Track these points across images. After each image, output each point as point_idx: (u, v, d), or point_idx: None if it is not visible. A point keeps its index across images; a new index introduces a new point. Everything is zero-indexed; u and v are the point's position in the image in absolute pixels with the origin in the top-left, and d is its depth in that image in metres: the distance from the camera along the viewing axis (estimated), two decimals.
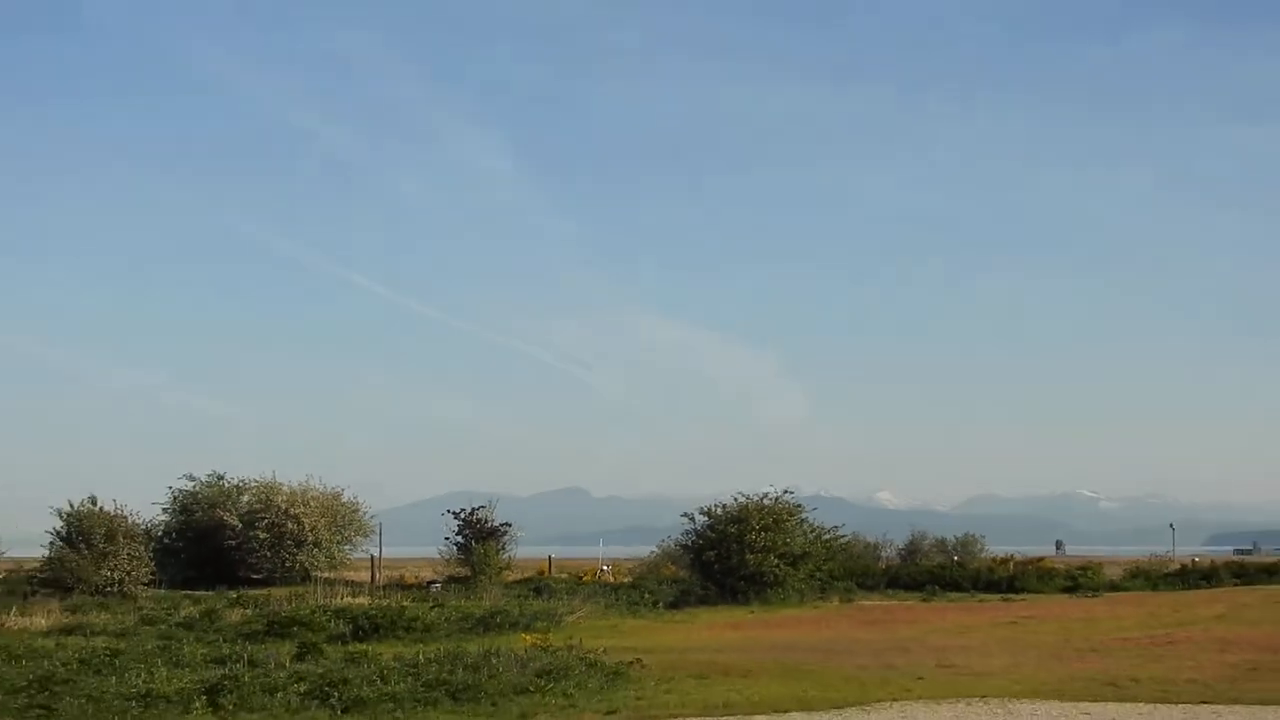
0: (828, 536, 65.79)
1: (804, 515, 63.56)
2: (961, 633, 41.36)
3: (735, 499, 62.83)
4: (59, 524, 72.65)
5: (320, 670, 30.13)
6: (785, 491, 63.56)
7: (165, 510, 78.40)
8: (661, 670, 31.37)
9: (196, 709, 25.54)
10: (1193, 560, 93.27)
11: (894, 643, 38.68)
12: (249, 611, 50.00)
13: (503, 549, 78.58)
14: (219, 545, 76.22)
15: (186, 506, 78.61)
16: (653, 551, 78.51)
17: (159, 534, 76.64)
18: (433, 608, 50.35)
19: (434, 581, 73.54)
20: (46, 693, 26.87)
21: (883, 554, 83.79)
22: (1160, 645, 36.08)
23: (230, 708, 25.60)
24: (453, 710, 25.92)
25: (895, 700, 26.52)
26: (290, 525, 75.94)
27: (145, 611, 53.80)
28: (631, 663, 31.99)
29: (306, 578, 73.34)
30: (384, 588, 69.00)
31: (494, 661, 31.30)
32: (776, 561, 60.20)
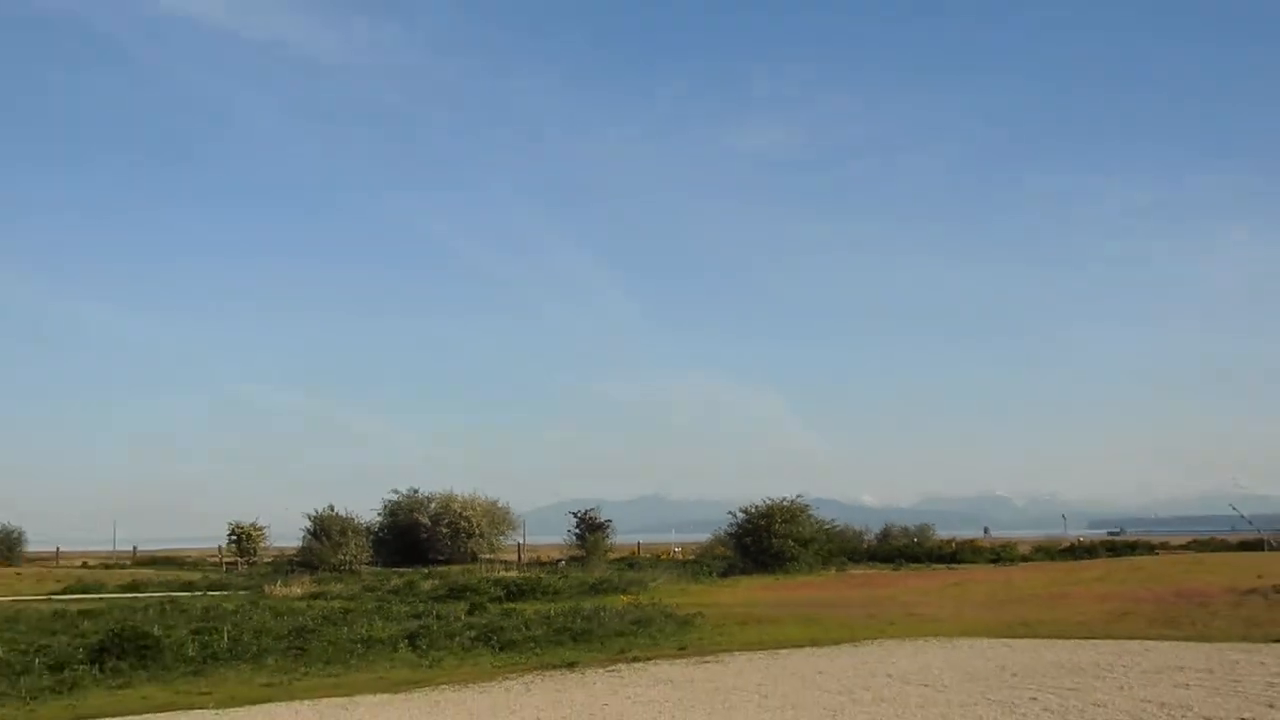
0: (827, 526, 65.87)
1: (810, 512, 63.49)
2: (921, 592, 40.81)
3: (764, 501, 62.89)
4: (309, 524, 74.05)
5: (484, 621, 30.30)
6: (797, 496, 63.60)
7: (379, 514, 79.24)
8: (716, 619, 31.40)
9: (401, 649, 25.69)
10: (1078, 539, 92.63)
11: (874, 599, 38.25)
12: (436, 582, 50.06)
13: (606, 537, 79.33)
14: (415, 538, 76.95)
15: (393, 511, 79.48)
16: (708, 538, 78.20)
17: (375, 530, 77.26)
18: (560, 578, 50.42)
19: (560, 560, 73.73)
20: (301, 638, 27.09)
21: (865, 537, 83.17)
22: (1057, 599, 35.57)
23: (424, 648, 25.74)
24: (574, 647, 25.97)
25: (876, 639, 26.34)
26: (463, 523, 76.75)
27: (366, 583, 53.98)
28: (695, 614, 32.10)
29: (474, 559, 73.84)
30: (526, 564, 69.24)
31: (602, 614, 31.40)
32: (793, 544, 60.18)
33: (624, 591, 44.03)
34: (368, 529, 75.74)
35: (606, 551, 76.59)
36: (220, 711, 18.18)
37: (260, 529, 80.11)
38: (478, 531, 77.41)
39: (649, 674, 21.15)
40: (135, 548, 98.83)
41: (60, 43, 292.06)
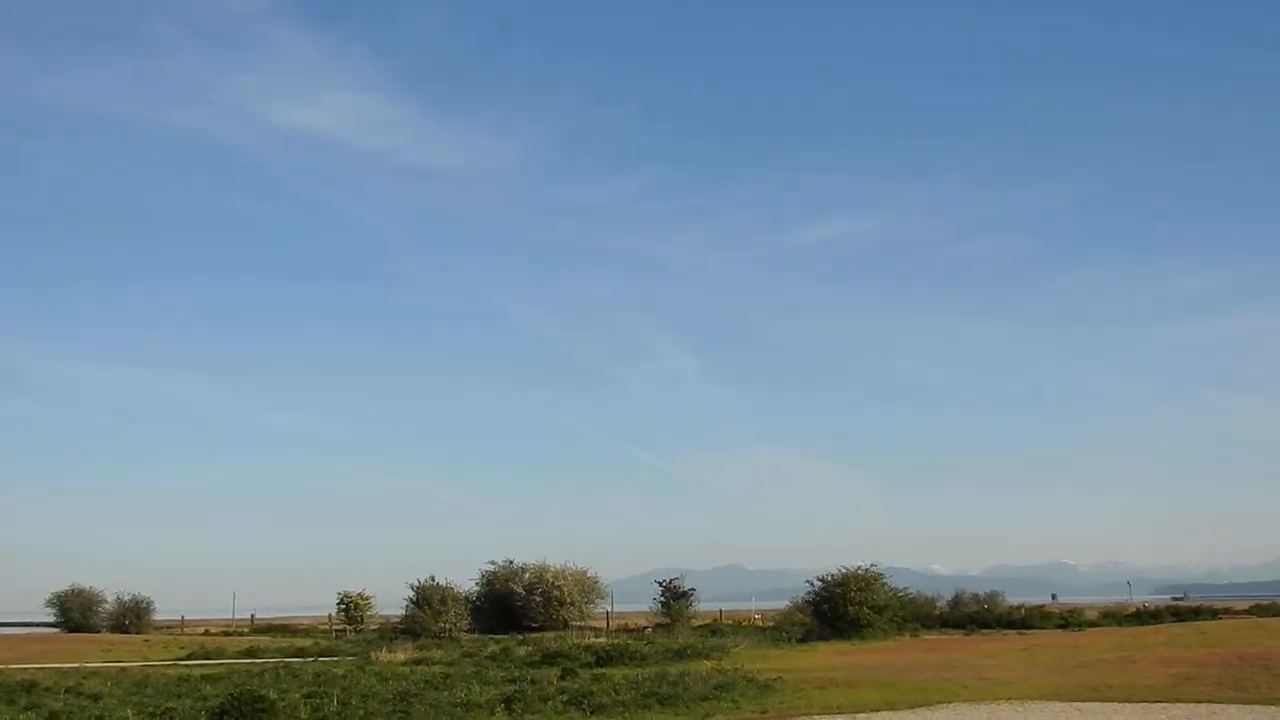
0: (900, 594, 64.84)
1: (884, 580, 62.68)
2: (992, 656, 40.08)
3: (839, 570, 62.20)
4: (411, 593, 74.58)
5: (576, 686, 30.23)
6: (870, 565, 62.82)
7: (476, 583, 79.50)
8: (795, 683, 31.03)
9: (498, 712, 25.72)
10: (1144, 605, 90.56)
11: (946, 663, 37.61)
12: (530, 648, 49.99)
13: (689, 605, 78.87)
14: (510, 606, 76.99)
15: (490, 581, 79.72)
16: (787, 605, 77.43)
17: (473, 598, 77.45)
18: (646, 644, 50.18)
19: (646, 627, 73.37)
20: (404, 702, 27.22)
21: (937, 604, 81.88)
22: (1124, 663, 34.76)
23: (519, 711, 25.74)
24: (660, 711, 25.85)
25: (949, 702, 25.96)
26: (555, 592, 76.62)
27: (465, 649, 54.04)
28: (776, 679, 31.77)
29: (566, 626, 73.63)
30: (615, 631, 68.97)
31: (686, 679, 31.21)
32: (868, 611, 59.39)
33: (707, 657, 43.73)
34: (466, 598, 76.06)
35: (690, 619, 76.14)
36: None
37: (367, 598, 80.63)
38: (569, 600, 77.27)
39: None
40: (253, 615, 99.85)
41: (190, 156, 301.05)
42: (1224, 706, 23.76)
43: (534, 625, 74.00)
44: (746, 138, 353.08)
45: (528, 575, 79.06)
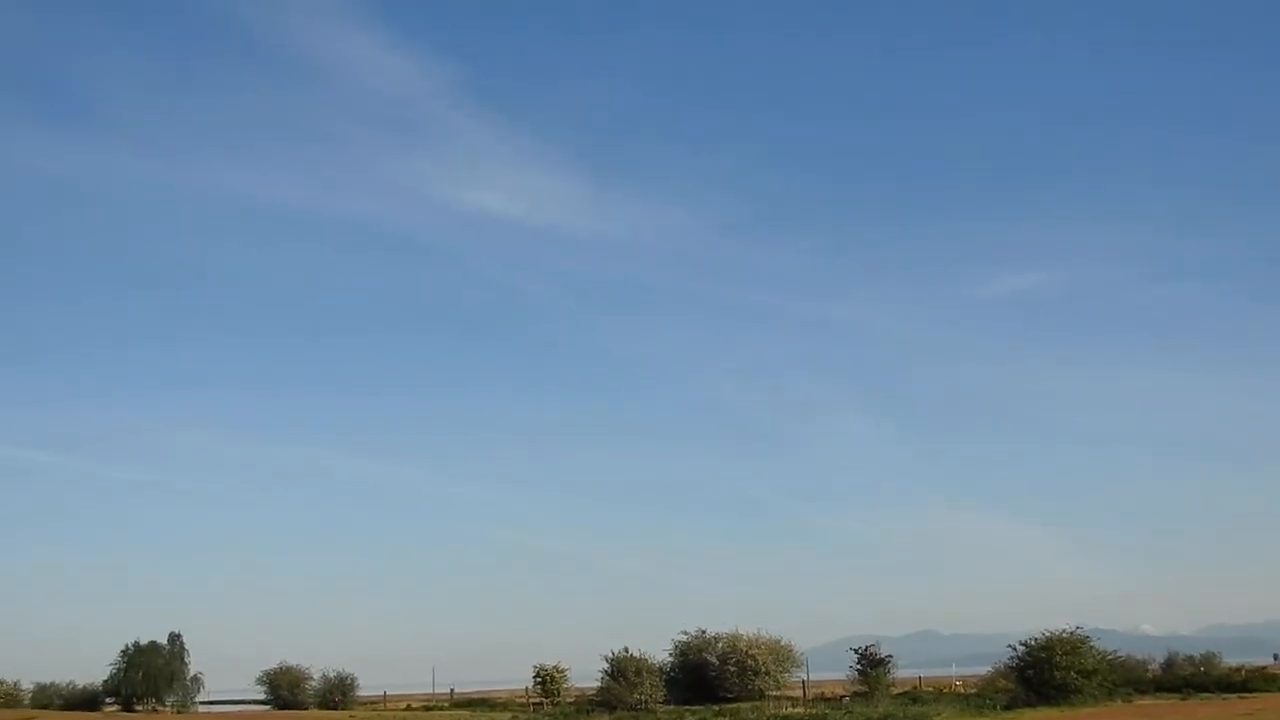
0: (1109, 657, 60.61)
1: (1090, 643, 58.65)
2: None
3: (1043, 634, 58.38)
4: (605, 665, 73.07)
5: None
6: (1076, 627, 58.81)
7: (669, 654, 77.38)
8: None
9: None
10: None
11: None
12: (726, 719, 47.87)
13: (887, 672, 75.38)
14: (704, 676, 74.53)
15: (683, 651, 77.45)
16: (988, 671, 73.27)
17: (667, 669, 75.36)
18: (845, 713, 47.57)
19: (844, 696, 70.16)
20: None
21: (1148, 667, 76.41)
22: None
23: None
24: None
25: None
26: (749, 661, 73.91)
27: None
28: None
29: (761, 695, 70.82)
30: (811, 700, 66.09)
31: None
32: (1075, 675, 55.45)
33: None
34: (660, 668, 74.06)
35: (888, 686, 72.56)
36: None
37: (562, 670, 79.33)
38: (763, 669, 74.41)
39: None
40: (452, 690, 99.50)
41: (370, 242, 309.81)
42: None
43: (729, 695, 71.37)
44: (919, 190, 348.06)
45: (720, 645, 76.53)
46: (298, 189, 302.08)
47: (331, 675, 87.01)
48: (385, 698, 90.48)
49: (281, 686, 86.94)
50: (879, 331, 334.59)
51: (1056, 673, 55.34)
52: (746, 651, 74.41)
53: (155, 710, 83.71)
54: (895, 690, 71.46)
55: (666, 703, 69.65)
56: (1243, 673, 72.17)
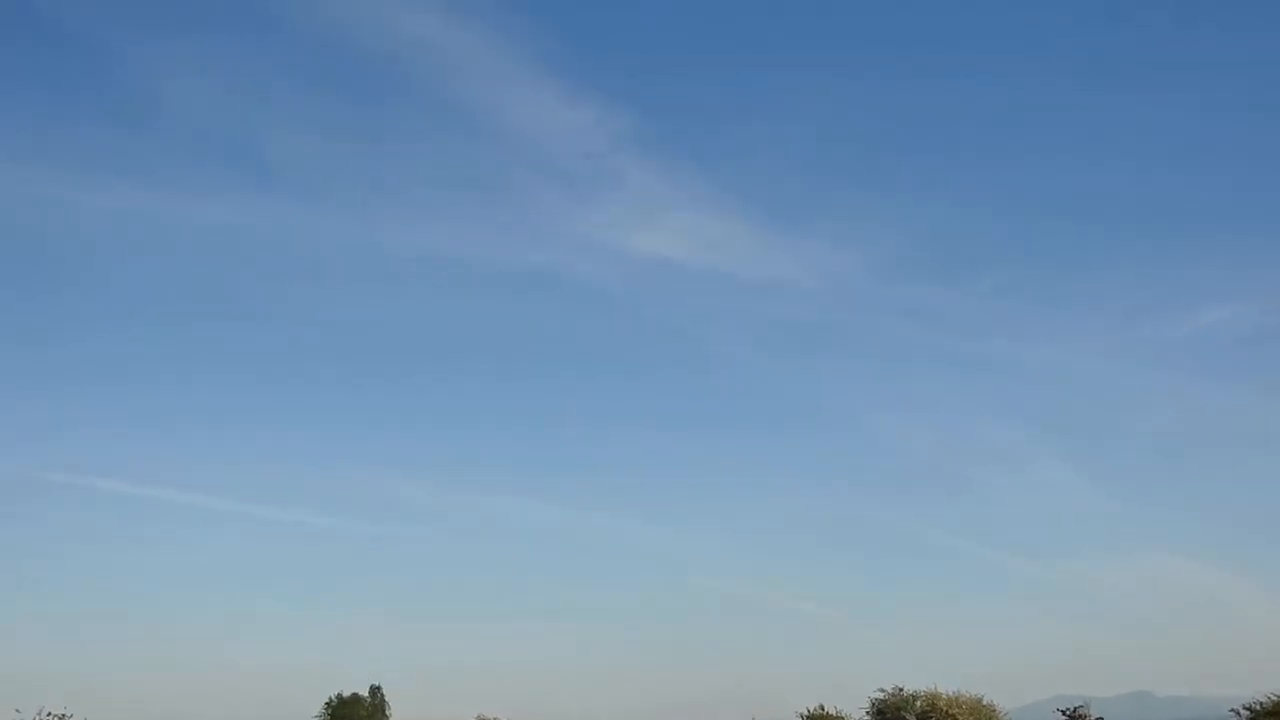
0: None
1: None
2: None
3: (1271, 697, 53.14)
4: None
5: None
6: None
7: (867, 712, 74.55)
8: None
9: None
10: None
11: None
12: None
13: None
14: None
15: (881, 709, 74.62)
16: None
17: None
18: None
19: None
20: None
21: None
22: None
23: None
24: None
25: None
26: None
27: None
28: None
29: None
30: None
31: None
32: None
33: None
34: None
35: None
36: None
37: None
38: None
39: None
40: None
41: (547, 288, 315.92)
42: None
43: None
44: (1095, 228, 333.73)
45: (919, 703, 72.90)
46: (480, 239, 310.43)
47: None
48: None
49: None
50: (1072, 374, 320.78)
51: None
52: (946, 711, 71.14)
53: None
54: None
55: None
56: None
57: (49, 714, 38.98)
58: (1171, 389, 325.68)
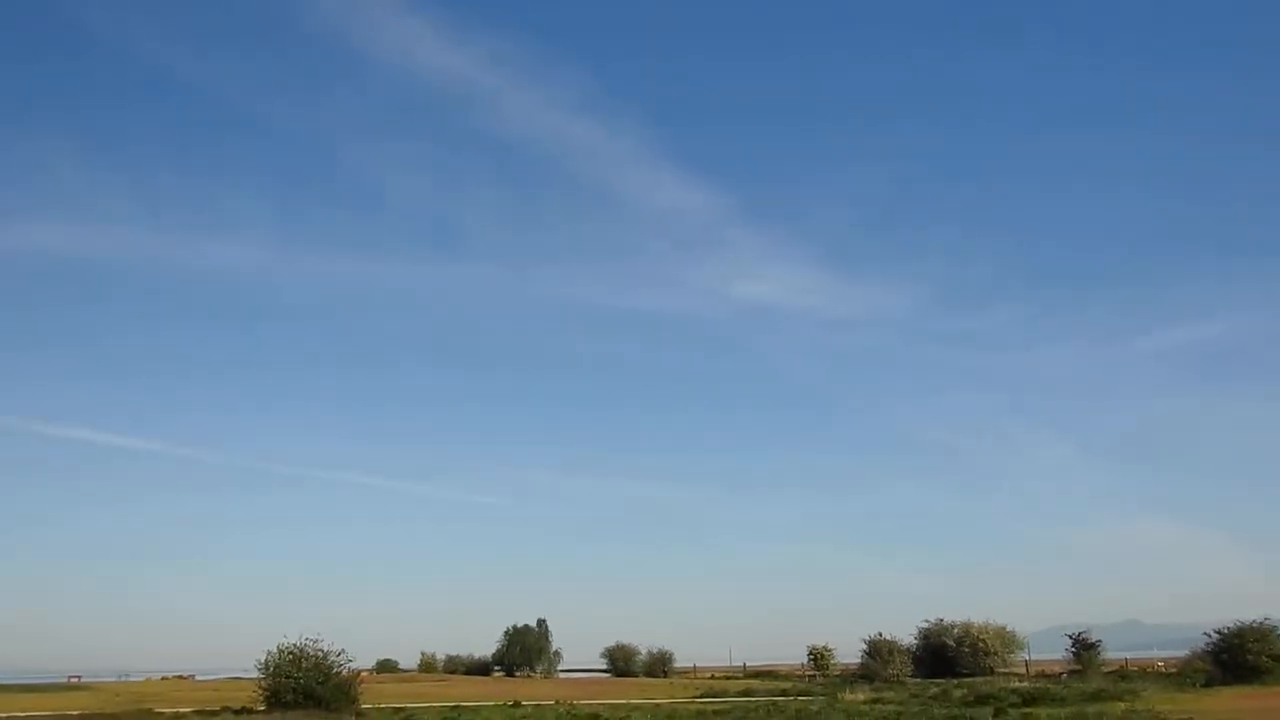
0: None
1: (1277, 632, 54.29)
2: None
3: (1234, 623, 54.58)
4: (864, 646, 73.07)
5: None
6: (1265, 619, 54.71)
7: (914, 638, 76.20)
8: None
9: None
10: None
11: None
12: (964, 691, 47.33)
13: (1098, 655, 72.01)
14: (943, 656, 73.66)
15: (926, 635, 76.27)
16: (1186, 654, 68.47)
17: (913, 650, 74.21)
18: (1063, 688, 46.20)
19: (1061, 673, 67.56)
20: None
21: None
22: None
23: None
24: None
25: None
26: (981, 644, 72.39)
27: (911, 691, 52.03)
28: (1186, 718, 28.06)
29: (991, 672, 69.16)
30: (1033, 677, 63.86)
31: (1104, 718, 28.20)
32: (1266, 659, 51.78)
33: (1120, 699, 40.12)
34: (907, 650, 73.19)
35: (1099, 666, 69.39)
36: None
37: (830, 650, 79.41)
38: (992, 650, 72.80)
39: None
40: (744, 664, 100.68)
41: (667, 329, 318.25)
42: None
43: (964, 672, 70.07)
44: (1102, 253, 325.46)
45: (956, 630, 75.32)
46: (615, 291, 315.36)
47: (655, 650, 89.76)
48: (695, 669, 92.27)
49: (618, 659, 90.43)
50: (1071, 376, 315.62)
51: (1249, 656, 51.95)
52: (978, 636, 73.10)
53: (529, 676, 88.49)
54: (1105, 669, 68.19)
55: (914, 676, 68.96)
56: None
57: (307, 638, 42.36)
58: (1155, 388, 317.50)
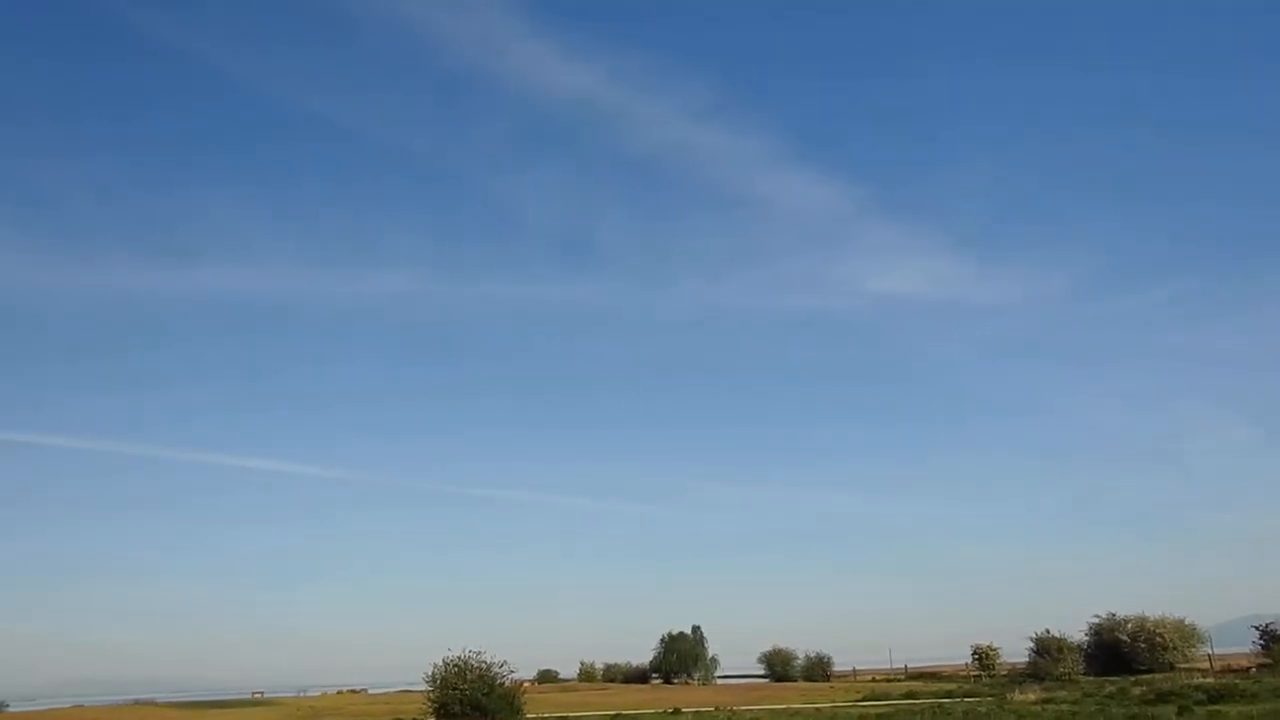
0: None
1: None
2: None
3: None
4: (1031, 644, 70.52)
5: None
6: None
7: (1085, 633, 73.00)
8: None
9: None
10: None
11: None
12: (1144, 689, 44.94)
13: None
14: (1117, 652, 70.27)
15: (1097, 630, 73.02)
16: None
17: (1084, 647, 71.10)
18: (1254, 683, 43.26)
19: (1250, 668, 63.27)
20: None
21: None
22: None
23: None
24: None
25: None
26: (1158, 639, 68.74)
27: (1084, 690, 49.77)
28: None
29: (1170, 668, 65.53)
30: (1218, 672, 60.10)
31: None
32: None
33: None
34: (1078, 646, 70.06)
35: None
36: None
37: (995, 649, 76.75)
38: (1170, 645, 69.00)
39: None
40: (906, 665, 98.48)
41: (808, 326, 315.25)
42: None
43: (1141, 668, 66.66)
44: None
45: (1130, 625, 71.60)
46: (750, 291, 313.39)
47: (812, 654, 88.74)
48: (854, 672, 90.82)
49: (775, 664, 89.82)
50: (1249, 350, 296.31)
51: None
52: (1154, 630, 69.42)
53: (686, 683, 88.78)
54: None
55: (1086, 674, 65.99)
56: None
57: (470, 650, 43.68)
58: None
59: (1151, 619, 71.96)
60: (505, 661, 44.46)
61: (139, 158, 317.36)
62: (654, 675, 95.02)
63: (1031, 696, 45.66)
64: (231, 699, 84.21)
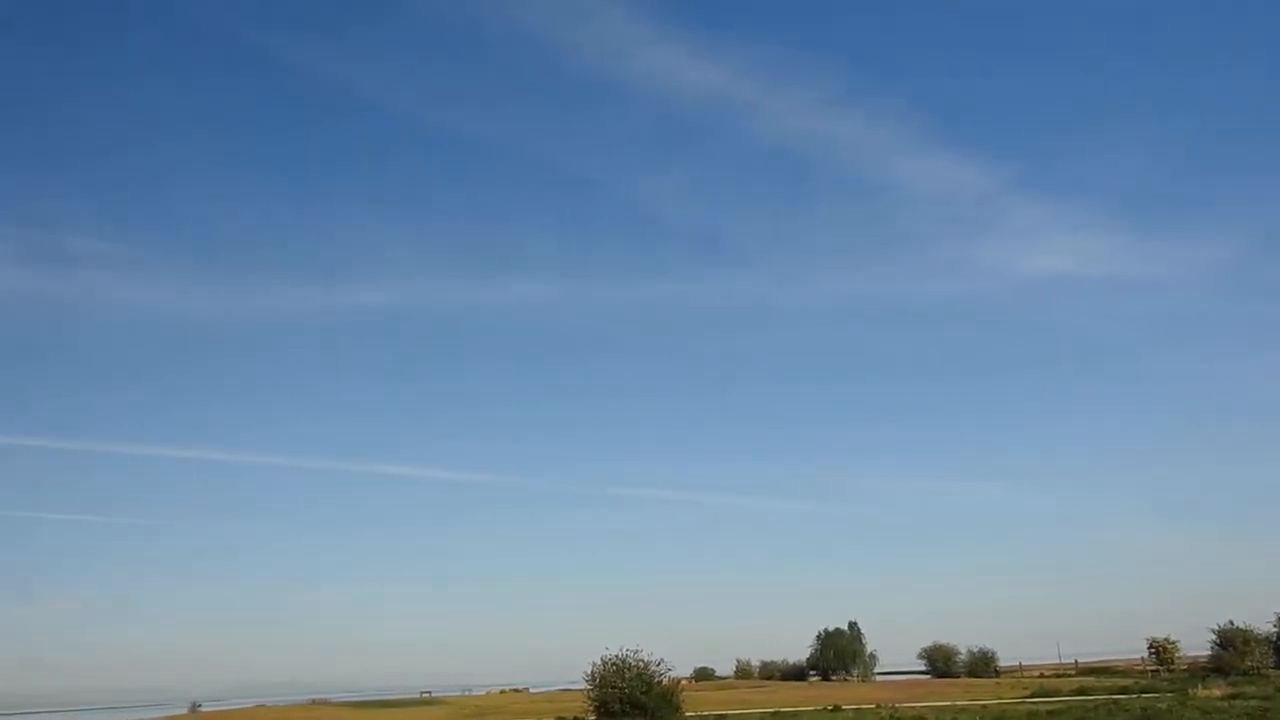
0: None
1: None
2: None
3: None
4: (1213, 636, 66.81)
5: None
6: None
7: (1274, 625, 68.18)
8: None
9: None
10: None
11: None
12: None
13: None
14: None
15: None
16: None
17: (1274, 640, 66.74)
18: None
19: None
20: None
21: None
22: None
23: None
24: None
25: None
26: None
27: (1275, 684, 46.76)
28: None
29: None
30: None
31: None
32: None
33: None
34: (1266, 639, 65.79)
35: None
36: None
37: (1174, 642, 72.95)
38: None
39: None
40: (1076, 660, 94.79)
41: (948, 314, 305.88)
42: None
43: None
44: None
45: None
46: (890, 280, 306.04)
47: (975, 649, 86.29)
48: (1020, 667, 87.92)
49: (936, 660, 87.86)
50: None
51: None
52: None
53: (845, 680, 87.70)
54: None
55: (1275, 668, 61.73)
56: None
57: (627, 649, 44.44)
58: None
59: None
60: (662, 660, 45.08)
61: (283, 174, 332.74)
62: (811, 672, 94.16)
63: (1216, 692, 43.34)
64: (400, 698, 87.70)
